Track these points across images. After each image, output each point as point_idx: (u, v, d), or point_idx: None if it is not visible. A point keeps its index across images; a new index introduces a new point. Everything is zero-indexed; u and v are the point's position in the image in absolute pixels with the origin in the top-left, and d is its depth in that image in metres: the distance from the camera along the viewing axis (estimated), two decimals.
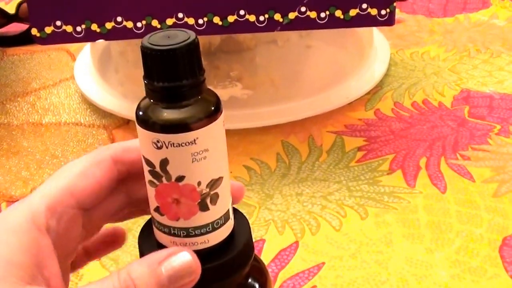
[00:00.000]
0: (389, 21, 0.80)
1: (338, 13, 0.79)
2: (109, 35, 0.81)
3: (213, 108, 0.34)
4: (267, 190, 0.79)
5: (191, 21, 0.79)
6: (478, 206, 0.75)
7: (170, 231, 0.36)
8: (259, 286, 0.39)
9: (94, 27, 0.80)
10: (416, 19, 1.19)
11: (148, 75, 0.33)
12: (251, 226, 0.39)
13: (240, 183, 0.40)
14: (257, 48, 0.94)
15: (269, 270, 0.67)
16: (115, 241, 0.43)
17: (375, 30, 1.08)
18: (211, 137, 0.34)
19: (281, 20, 0.79)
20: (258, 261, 0.41)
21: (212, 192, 0.35)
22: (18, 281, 0.32)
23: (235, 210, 0.38)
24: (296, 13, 0.79)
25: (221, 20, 0.79)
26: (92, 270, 0.68)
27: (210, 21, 0.79)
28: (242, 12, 0.78)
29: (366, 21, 0.80)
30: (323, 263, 0.69)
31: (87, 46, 1.08)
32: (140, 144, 0.35)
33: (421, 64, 1.04)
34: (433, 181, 0.79)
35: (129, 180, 0.39)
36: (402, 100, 0.95)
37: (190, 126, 0.33)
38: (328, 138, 0.88)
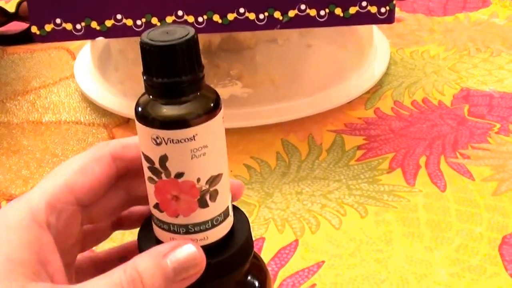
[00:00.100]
0: (389, 19, 0.80)
1: (338, 11, 0.79)
2: (108, 33, 0.81)
3: (212, 104, 0.34)
4: (267, 188, 0.79)
5: (190, 19, 0.79)
6: (477, 204, 0.75)
7: (169, 228, 0.36)
8: (258, 284, 0.39)
9: (94, 24, 0.80)
10: (416, 18, 1.19)
11: (147, 71, 0.33)
12: (251, 224, 0.39)
13: (239, 180, 0.40)
14: (257, 47, 0.94)
15: (269, 268, 0.67)
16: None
17: (375, 29, 1.08)
18: (210, 133, 0.34)
19: (280, 18, 0.79)
20: (257, 259, 0.41)
21: (211, 189, 0.35)
22: (22, 278, 0.32)
23: (234, 208, 0.38)
24: (296, 11, 0.79)
25: (220, 18, 0.79)
26: None
27: (209, 19, 0.79)
28: (241, 10, 0.78)
29: (365, 19, 0.80)
30: (323, 262, 0.69)
31: (87, 44, 1.08)
32: (139, 141, 0.35)
33: (421, 63, 1.04)
34: (433, 180, 0.79)
35: (129, 177, 0.39)
36: (402, 99, 0.95)
37: (189, 122, 0.33)
38: (328, 137, 0.88)
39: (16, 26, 1.17)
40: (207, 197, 0.35)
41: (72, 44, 1.15)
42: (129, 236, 0.39)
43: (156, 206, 0.36)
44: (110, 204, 0.39)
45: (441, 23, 1.17)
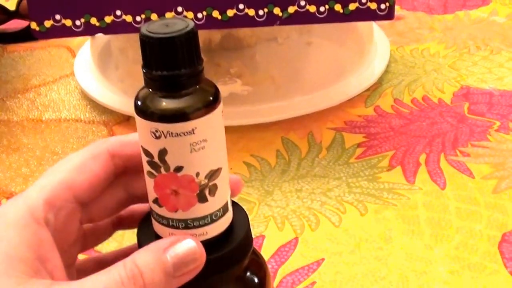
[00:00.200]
0: (389, 15, 0.80)
1: (338, 7, 0.79)
2: (108, 29, 0.81)
3: (211, 98, 0.34)
4: (267, 186, 0.79)
5: (190, 15, 0.79)
6: (477, 202, 0.75)
7: (168, 223, 0.36)
8: (258, 280, 0.39)
9: (93, 21, 0.80)
10: (416, 16, 1.19)
11: (147, 64, 0.33)
12: (250, 222, 0.39)
13: (238, 176, 0.40)
14: (257, 45, 0.94)
15: (269, 266, 0.67)
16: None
17: (375, 26, 1.08)
18: (209, 127, 0.34)
19: (280, 14, 0.79)
20: (257, 255, 0.41)
21: (210, 183, 0.35)
22: (21, 275, 0.32)
23: (233, 203, 0.38)
24: (295, 7, 0.79)
25: (220, 14, 0.79)
26: None
27: (209, 15, 0.79)
28: (241, 6, 0.78)
29: (365, 15, 0.80)
30: (323, 259, 0.69)
31: (87, 42, 1.08)
32: (138, 134, 0.35)
33: (421, 61, 1.04)
34: (433, 178, 0.79)
35: (128, 175, 0.39)
36: (402, 96, 0.95)
37: (188, 115, 0.33)
38: (328, 135, 0.88)
39: (16, 24, 1.17)
40: (206, 192, 0.35)
41: (72, 42, 1.15)
42: (131, 235, 0.39)
43: (155, 201, 0.36)
44: (109, 202, 0.39)
45: (441, 21, 1.17)
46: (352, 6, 0.79)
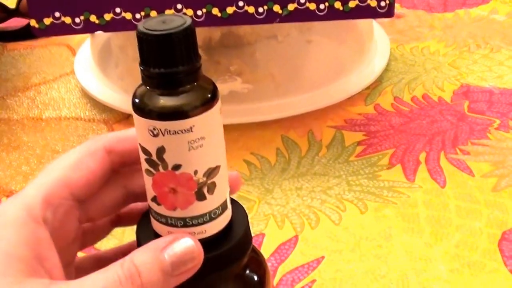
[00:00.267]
0: (389, 13, 0.80)
1: (338, 5, 0.79)
2: (107, 27, 0.81)
3: (209, 95, 0.34)
4: (267, 184, 0.79)
5: (189, 12, 0.79)
6: (477, 200, 0.75)
7: (167, 221, 0.36)
8: (257, 278, 0.39)
9: (93, 18, 0.80)
10: (417, 14, 1.19)
11: (144, 61, 0.33)
12: (250, 220, 0.39)
13: (237, 172, 0.40)
14: (257, 43, 0.94)
15: (269, 264, 0.67)
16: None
17: (375, 25, 1.08)
18: (207, 125, 0.33)
19: (280, 11, 0.79)
20: (257, 253, 0.40)
21: (209, 181, 0.35)
22: (19, 274, 0.32)
23: (233, 201, 0.38)
24: (295, 5, 0.79)
25: (220, 11, 0.79)
26: None
27: (208, 13, 0.79)
28: (241, 4, 0.78)
29: (365, 12, 0.80)
30: (323, 257, 0.69)
31: (87, 41, 1.08)
32: (136, 132, 0.34)
33: (421, 59, 1.04)
34: (433, 176, 0.79)
35: (125, 171, 0.39)
36: (402, 95, 0.95)
37: (186, 113, 0.33)
38: (328, 133, 0.88)
39: (16, 22, 1.17)
40: (205, 190, 0.35)
41: (72, 40, 1.15)
42: (130, 232, 0.39)
43: (154, 199, 0.36)
44: (107, 200, 0.39)
45: (441, 19, 1.16)
46: (352, 4, 0.79)
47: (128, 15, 0.79)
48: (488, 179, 0.78)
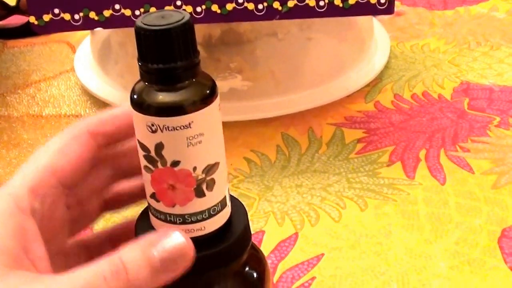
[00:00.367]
0: (389, 10, 0.79)
1: (337, 1, 0.79)
2: (107, 23, 0.81)
3: (208, 91, 0.33)
4: (267, 182, 0.79)
5: (189, 9, 0.79)
6: (477, 197, 0.75)
7: (166, 218, 0.35)
8: (257, 275, 0.39)
9: (92, 15, 0.80)
10: (417, 12, 1.19)
11: (142, 57, 0.33)
12: (250, 218, 0.39)
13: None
14: (258, 40, 0.94)
15: (269, 261, 0.67)
16: None
17: (375, 22, 1.08)
18: (206, 121, 0.33)
19: (280, 8, 0.79)
20: (256, 250, 0.40)
21: (208, 178, 0.35)
22: (2, 267, 0.32)
23: (232, 198, 0.38)
24: (295, 1, 0.78)
25: (219, 8, 0.79)
26: None
27: (208, 9, 0.79)
28: (240, 0, 0.78)
29: (365, 9, 0.79)
30: (323, 254, 0.69)
31: (87, 38, 1.08)
32: (135, 128, 0.34)
33: (421, 57, 1.04)
34: (433, 173, 0.79)
35: (111, 151, 0.38)
36: (402, 92, 0.95)
37: (185, 109, 0.32)
38: (328, 130, 0.88)
39: (16, 20, 1.17)
40: (204, 186, 0.35)
41: (72, 38, 1.15)
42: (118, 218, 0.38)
43: (153, 195, 0.35)
44: (96, 182, 0.39)
45: (441, 17, 1.16)
46: (352, 1, 0.79)
47: (128, 12, 0.79)
48: (488, 176, 0.78)
